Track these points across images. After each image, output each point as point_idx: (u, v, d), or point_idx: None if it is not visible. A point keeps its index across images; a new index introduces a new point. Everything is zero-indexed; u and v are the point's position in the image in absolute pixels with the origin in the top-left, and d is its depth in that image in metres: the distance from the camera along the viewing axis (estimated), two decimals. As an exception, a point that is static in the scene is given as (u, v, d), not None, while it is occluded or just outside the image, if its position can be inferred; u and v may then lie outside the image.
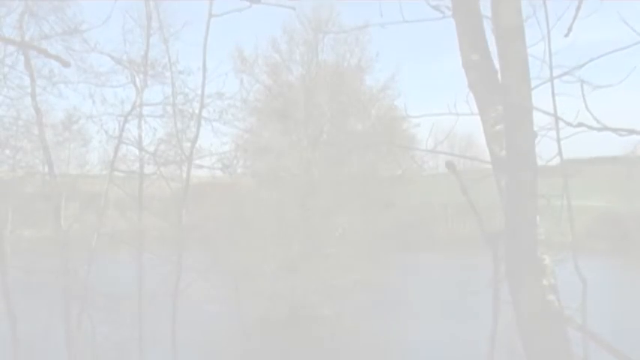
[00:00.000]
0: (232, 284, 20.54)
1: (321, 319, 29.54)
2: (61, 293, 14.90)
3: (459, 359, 21.97)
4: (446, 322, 28.49)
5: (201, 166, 18.13)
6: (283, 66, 36.57)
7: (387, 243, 36.35)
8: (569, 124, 4.11)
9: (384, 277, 33.55)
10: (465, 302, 22.38)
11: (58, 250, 15.18)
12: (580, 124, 4.00)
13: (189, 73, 16.07)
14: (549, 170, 5.05)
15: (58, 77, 14.81)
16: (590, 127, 3.98)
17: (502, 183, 4.69)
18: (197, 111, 15.79)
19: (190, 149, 15.86)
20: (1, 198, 18.05)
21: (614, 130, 4.04)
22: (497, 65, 4.74)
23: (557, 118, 4.54)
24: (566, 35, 4.43)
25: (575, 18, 4.32)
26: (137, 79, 16.20)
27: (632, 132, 4.05)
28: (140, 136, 16.51)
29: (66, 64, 10.43)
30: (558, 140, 4.90)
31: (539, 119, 4.56)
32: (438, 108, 5.15)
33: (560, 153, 4.93)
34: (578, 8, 4.31)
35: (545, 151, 4.80)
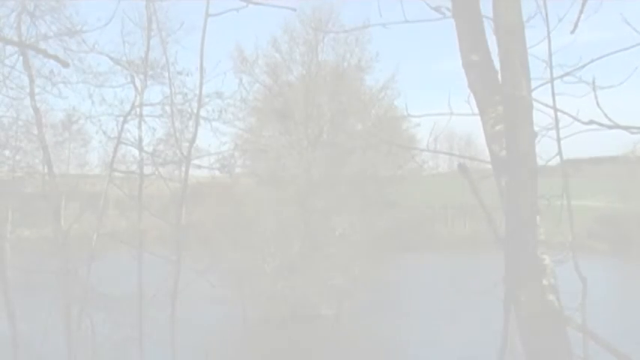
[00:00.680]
0: (232, 284, 20.56)
1: (321, 319, 29.58)
2: (61, 293, 14.89)
3: (459, 359, 21.97)
4: (446, 322, 28.50)
5: (200, 166, 18.15)
6: (283, 66, 36.63)
7: (387, 243, 36.42)
8: (578, 120, 4.10)
9: (384, 277, 33.61)
10: (464, 302, 22.40)
11: (58, 250, 15.18)
12: (591, 121, 3.99)
13: (188, 73, 16.07)
14: (549, 170, 5.05)
15: (58, 77, 14.80)
16: (602, 125, 3.97)
17: (502, 183, 4.69)
18: (196, 111, 15.78)
19: (188, 149, 15.86)
20: (1, 198, 18.07)
21: (626, 128, 4.03)
22: (497, 65, 4.75)
23: (557, 117, 4.54)
24: (572, 32, 4.43)
25: (580, 12, 4.31)
26: (136, 80, 16.20)
27: (642, 129, 4.05)
28: (140, 137, 16.50)
29: (65, 64, 10.44)
30: (558, 140, 4.89)
31: (540, 119, 4.56)
32: (438, 108, 5.14)
33: (560, 153, 4.92)
34: (583, 4, 4.30)
35: (546, 151, 4.79)
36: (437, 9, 4.99)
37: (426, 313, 31.21)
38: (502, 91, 4.56)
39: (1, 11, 13.77)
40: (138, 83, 16.22)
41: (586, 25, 4.41)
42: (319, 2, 34.57)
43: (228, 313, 25.41)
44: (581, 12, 4.40)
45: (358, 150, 33.18)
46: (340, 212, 35.49)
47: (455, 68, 5.06)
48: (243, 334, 20.19)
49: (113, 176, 16.68)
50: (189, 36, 16.37)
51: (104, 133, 16.40)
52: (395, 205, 46.19)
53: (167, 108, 16.44)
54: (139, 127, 16.48)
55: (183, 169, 16.58)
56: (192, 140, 16.09)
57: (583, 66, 4.54)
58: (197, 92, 15.77)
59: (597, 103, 4.01)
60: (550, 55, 4.70)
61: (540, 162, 4.64)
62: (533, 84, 4.53)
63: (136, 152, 16.95)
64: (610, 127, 3.97)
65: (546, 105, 4.40)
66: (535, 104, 4.38)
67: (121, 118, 16.15)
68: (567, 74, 4.67)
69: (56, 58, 9.95)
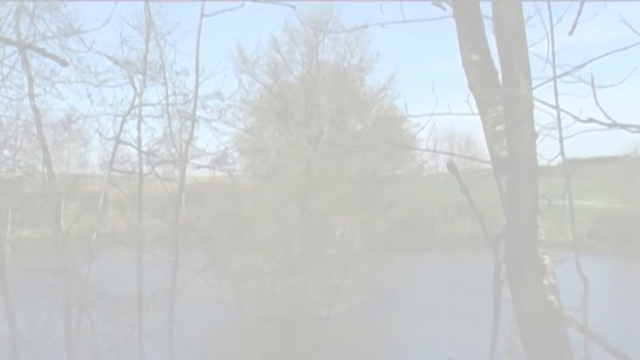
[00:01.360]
0: (232, 284, 20.56)
1: (321, 319, 29.57)
2: (61, 293, 14.88)
3: (459, 359, 21.95)
4: (446, 322, 28.50)
5: (198, 166, 18.14)
6: (284, 66, 36.65)
7: (387, 243, 36.45)
8: (578, 119, 4.08)
9: (384, 277, 33.63)
10: (464, 302, 22.40)
11: (58, 250, 15.16)
12: (590, 120, 3.97)
13: (186, 73, 16.07)
14: (550, 170, 5.04)
15: (57, 77, 14.81)
16: (601, 123, 3.95)
17: (502, 183, 4.69)
18: (193, 111, 15.79)
19: (185, 149, 15.86)
20: (1, 198, 18.06)
21: (625, 127, 4.02)
22: (497, 65, 4.74)
23: (559, 117, 4.53)
24: (570, 33, 4.42)
25: (578, 14, 4.30)
26: (135, 80, 16.20)
27: (642, 128, 4.03)
28: (139, 137, 16.49)
29: (64, 64, 10.41)
30: (561, 140, 4.88)
31: (540, 119, 4.55)
32: (438, 108, 5.13)
33: (562, 153, 4.92)
34: (581, 5, 4.29)
35: (546, 151, 4.79)
36: (437, 3, 4.98)
37: (426, 313, 31.21)
38: (502, 91, 4.55)
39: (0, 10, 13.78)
40: (137, 83, 16.23)
41: (586, 25, 4.41)
42: (319, 2, 34.63)
43: (228, 313, 25.40)
44: (579, 13, 4.39)
45: (358, 150, 33.17)
46: (340, 212, 35.50)
47: (455, 68, 5.05)
48: (242, 334, 20.18)
49: (113, 176, 16.67)
50: (188, 37, 16.39)
51: (103, 133, 16.40)
52: (395, 205, 46.27)
53: (166, 108, 16.43)
54: (138, 128, 16.48)
55: (181, 169, 16.57)
56: (189, 140, 16.10)
57: (582, 65, 4.53)
58: (195, 92, 15.77)
59: (596, 102, 4.00)
60: (553, 54, 4.70)
61: (541, 162, 4.63)
62: (533, 83, 4.52)
63: (135, 152, 16.95)
64: (609, 126, 3.96)
65: (546, 104, 4.39)
66: (535, 104, 4.37)
67: (120, 118, 16.15)
68: (566, 74, 4.66)
69: (55, 58, 9.91)
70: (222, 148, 18.50)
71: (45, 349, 15.03)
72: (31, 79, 14.62)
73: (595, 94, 4.00)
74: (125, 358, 15.70)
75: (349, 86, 37.02)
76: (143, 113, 16.59)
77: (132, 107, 16.17)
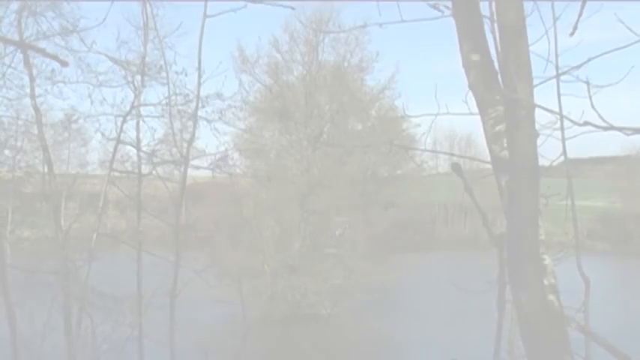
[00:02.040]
0: (232, 284, 20.54)
1: (321, 319, 29.58)
2: (61, 293, 14.88)
3: (459, 359, 21.95)
4: (446, 322, 28.51)
5: (198, 167, 18.14)
6: (284, 66, 36.66)
7: (387, 243, 36.48)
8: (575, 122, 4.08)
9: (384, 277, 33.63)
10: (464, 302, 22.36)
11: (58, 250, 15.16)
12: (586, 123, 3.96)
13: (187, 74, 16.06)
14: (549, 170, 5.05)
15: (57, 77, 14.81)
16: (597, 126, 3.94)
17: (502, 183, 4.68)
18: (194, 111, 15.79)
19: (187, 149, 15.85)
20: (1, 198, 18.06)
21: (621, 129, 4.00)
22: (497, 65, 4.74)
23: (562, 118, 4.52)
24: (572, 34, 4.41)
25: (580, 15, 4.29)
26: (135, 80, 16.20)
27: (638, 131, 4.02)
28: (139, 137, 16.50)
29: (64, 64, 10.42)
30: (563, 140, 4.88)
31: (540, 118, 4.54)
32: (437, 108, 5.13)
33: (564, 153, 4.91)
34: (582, 5, 4.28)
35: (546, 151, 4.78)
36: (435, 6, 4.97)
37: (426, 312, 31.22)
38: (502, 91, 4.55)
39: (1, 9, 13.78)
40: (137, 83, 16.23)
41: (585, 24, 4.40)
42: (320, 2, 34.64)
43: (228, 313, 25.39)
44: (580, 14, 4.38)
45: (358, 150, 33.18)
46: (340, 212, 35.52)
47: (454, 68, 5.05)
48: (242, 334, 20.16)
49: (113, 176, 16.67)
50: (189, 37, 16.40)
51: (103, 133, 16.41)
52: (395, 205, 46.27)
53: (167, 108, 16.43)
54: (137, 128, 16.48)
55: (182, 169, 16.57)
56: (191, 140, 16.08)
57: (580, 65, 4.53)
58: (196, 93, 15.76)
59: (592, 104, 3.99)
60: (556, 55, 4.70)
61: (542, 162, 4.62)
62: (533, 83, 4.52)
63: (135, 152, 16.95)
64: (605, 129, 3.95)
65: (545, 109, 4.38)
66: (535, 104, 4.36)
67: (121, 118, 16.16)
68: (564, 73, 4.66)
69: (55, 58, 9.94)
70: (222, 148, 18.51)
71: (45, 349, 15.02)
72: (32, 79, 14.62)
73: (591, 97, 4.00)
74: (125, 358, 15.70)
75: (349, 86, 37.03)
76: (143, 113, 16.61)
77: (132, 107, 16.18)
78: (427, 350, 25.89)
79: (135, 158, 17.20)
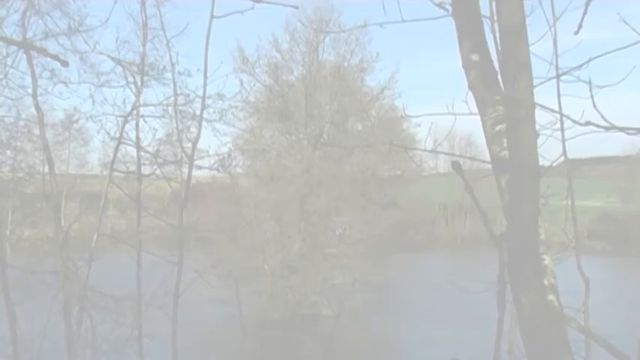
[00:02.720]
0: (232, 284, 20.55)
1: (321, 319, 29.60)
2: (61, 293, 14.87)
3: (459, 359, 21.98)
4: (446, 322, 28.53)
5: (200, 167, 18.12)
6: (284, 66, 36.65)
7: (387, 243, 36.44)
8: (576, 122, 4.07)
9: (384, 277, 33.63)
10: (464, 302, 22.40)
11: (58, 250, 15.15)
12: (588, 123, 3.95)
13: (189, 74, 16.04)
14: (551, 170, 5.05)
15: (59, 77, 14.80)
16: (598, 126, 3.93)
17: (502, 183, 4.69)
18: (198, 112, 15.75)
19: (192, 149, 15.81)
20: (1, 198, 18.06)
21: (622, 129, 4.00)
22: (497, 65, 4.74)
23: (562, 117, 4.52)
24: (577, 33, 4.40)
25: (584, 14, 4.29)
26: (137, 80, 16.19)
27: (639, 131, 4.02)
28: (139, 137, 16.49)
29: (64, 64, 10.42)
30: (563, 140, 4.88)
31: (540, 118, 4.55)
32: (437, 108, 5.13)
33: (564, 153, 4.91)
34: (587, 5, 4.28)
35: (546, 151, 4.78)
36: (440, 5, 4.97)
37: (426, 312, 31.24)
38: (502, 91, 4.55)
39: (4, 9, 13.77)
40: (139, 83, 16.22)
41: (586, 24, 4.40)
42: (320, 2, 34.66)
43: (228, 313, 25.41)
44: (584, 13, 4.38)
45: (358, 150, 33.19)
46: (340, 212, 35.53)
47: (455, 68, 5.05)
48: (242, 334, 20.18)
49: (113, 176, 16.66)
50: (191, 37, 16.37)
51: (109, 132, 16.37)
52: (395, 205, 46.26)
53: (169, 109, 16.42)
54: (136, 128, 16.46)
55: (184, 169, 16.56)
56: (196, 140, 16.03)
57: (580, 65, 4.53)
58: (199, 93, 15.72)
59: (593, 104, 3.99)
60: (556, 55, 4.70)
61: (542, 162, 4.62)
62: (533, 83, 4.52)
63: (136, 152, 16.93)
64: (607, 129, 3.94)
65: (546, 107, 4.39)
66: (536, 104, 4.37)
67: (122, 119, 16.14)
68: (564, 73, 4.66)
69: (56, 58, 9.94)
70: (223, 149, 18.49)
71: (45, 349, 15.02)
72: (34, 79, 14.61)
73: (592, 97, 3.99)
74: (125, 358, 15.70)
75: (349, 86, 37.00)
76: (145, 114, 16.59)
77: (133, 107, 16.17)
78: (427, 350, 25.90)
79: (135, 158, 17.20)
